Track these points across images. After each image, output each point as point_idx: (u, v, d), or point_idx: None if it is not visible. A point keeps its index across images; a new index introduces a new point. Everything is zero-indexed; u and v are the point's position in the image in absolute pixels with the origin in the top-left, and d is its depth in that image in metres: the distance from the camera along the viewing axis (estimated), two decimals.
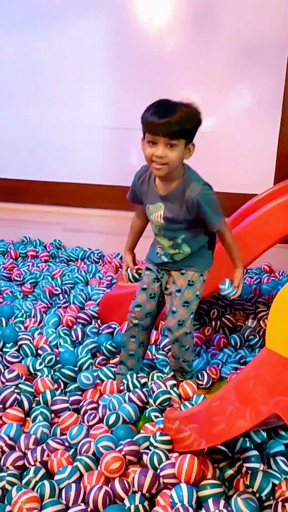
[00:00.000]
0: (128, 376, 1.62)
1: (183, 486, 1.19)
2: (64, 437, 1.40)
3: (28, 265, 2.65)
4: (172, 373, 1.70)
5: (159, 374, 1.71)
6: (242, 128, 2.78)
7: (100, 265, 2.73)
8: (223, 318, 2.05)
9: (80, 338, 1.91)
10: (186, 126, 1.35)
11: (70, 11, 2.86)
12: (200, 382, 1.68)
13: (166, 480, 1.24)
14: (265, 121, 2.75)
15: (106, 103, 2.97)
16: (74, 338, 1.91)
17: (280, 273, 2.58)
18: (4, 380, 1.57)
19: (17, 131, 3.09)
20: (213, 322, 2.04)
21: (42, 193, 3.06)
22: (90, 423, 1.45)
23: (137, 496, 1.19)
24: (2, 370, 1.64)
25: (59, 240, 2.90)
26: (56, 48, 2.91)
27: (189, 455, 1.23)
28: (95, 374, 1.66)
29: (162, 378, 1.68)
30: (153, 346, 1.89)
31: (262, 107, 2.74)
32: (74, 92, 2.96)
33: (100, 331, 1.98)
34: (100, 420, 1.47)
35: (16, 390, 1.50)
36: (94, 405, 1.53)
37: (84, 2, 2.84)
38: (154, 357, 1.83)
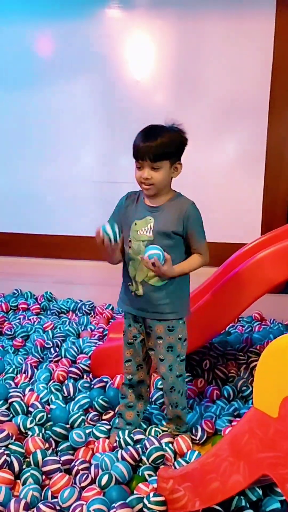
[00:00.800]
0: (120, 432, 1.59)
1: None
2: (56, 500, 1.36)
3: (19, 318, 2.64)
4: (166, 427, 1.67)
5: (157, 429, 1.68)
6: (228, 181, 2.88)
7: (92, 316, 2.73)
8: (215, 369, 2.04)
9: (71, 394, 1.88)
10: (167, 149, 1.44)
11: (64, 73, 3.01)
12: (194, 437, 1.65)
13: None
14: (250, 175, 2.85)
15: (96, 159, 3.07)
16: (66, 394, 1.89)
17: (271, 321, 2.59)
18: None
19: (9, 186, 3.16)
20: (206, 374, 2.03)
21: (33, 246, 3.10)
22: (82, 485, 1.42)
23: None
24: None
25: (50, 292, 2.90)
26: (48, 109, 3.04)
27: None
28: (87, 431, 1.63)
29: (159, 433, 1.66)
30: None
31: (247, 161, 2.85)
32: (66, 149, 3.07)
33: (92, 386, 1.95)
34: (93, 481, 1.43)
35: (6, 452, 1.47)
36: (86, 464, 1.50)
37: (77, 65, 3.00)
38: (146, 411, 1.80)
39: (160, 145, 1.42)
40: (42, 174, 3.11)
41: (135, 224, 1.52)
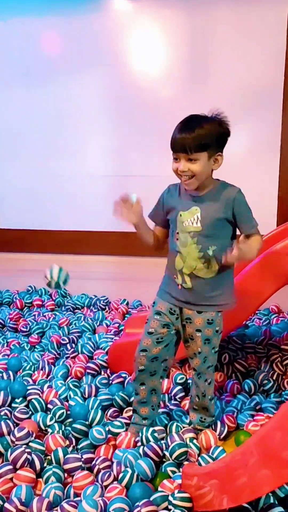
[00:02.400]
0: (144, 429, 1.56)
1: None
2: (78, 498, 1.34)
3: (34, 315, 2.62)
4: (189, 422, 1.64)
5: (178, 424, 1.65)
6: (242, 173, 2.81)
7: (107, 311, 2.71)
8: (235, 363, 2.01)
9: (90, 390, 1.86)
10: (204, 141, 1.40)
11: (71, 67, 2.98)
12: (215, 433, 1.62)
13: None
14: (264, 164, 2.80)
15: (105, 153, 3.03)
16: (86, 393, 1.84)
17: None
18: (14, 439, 1.51)
19: (20, 183, 3.15)
20: (225, 367, 1.99)
21: (46, 242, 3.08)
22: (105, 483, 1.39)
23: None
24: (12, 428, 1.59)
25: (64, 288, 2.88)
26: (57, 103, 3.02)
27: None
28: (107, 428, 1.61)
29: (181, 429, 1.63)
30: (166, 395, 1.85)
31: (261, 151, 2.81)
32: (74, 144, 3.04)
33: (110, 381, 1.93)
34: (115, 479, 1.41)
35: (26, 450, 1.45)
36: (108, 462, 1.47)
37: (84, 59, 2.96)
38: (166, 407, 1.78)
39: (197, 137, 1.39)
40: (52, 170, 3.09)
41: (180, 215, 1.49)
